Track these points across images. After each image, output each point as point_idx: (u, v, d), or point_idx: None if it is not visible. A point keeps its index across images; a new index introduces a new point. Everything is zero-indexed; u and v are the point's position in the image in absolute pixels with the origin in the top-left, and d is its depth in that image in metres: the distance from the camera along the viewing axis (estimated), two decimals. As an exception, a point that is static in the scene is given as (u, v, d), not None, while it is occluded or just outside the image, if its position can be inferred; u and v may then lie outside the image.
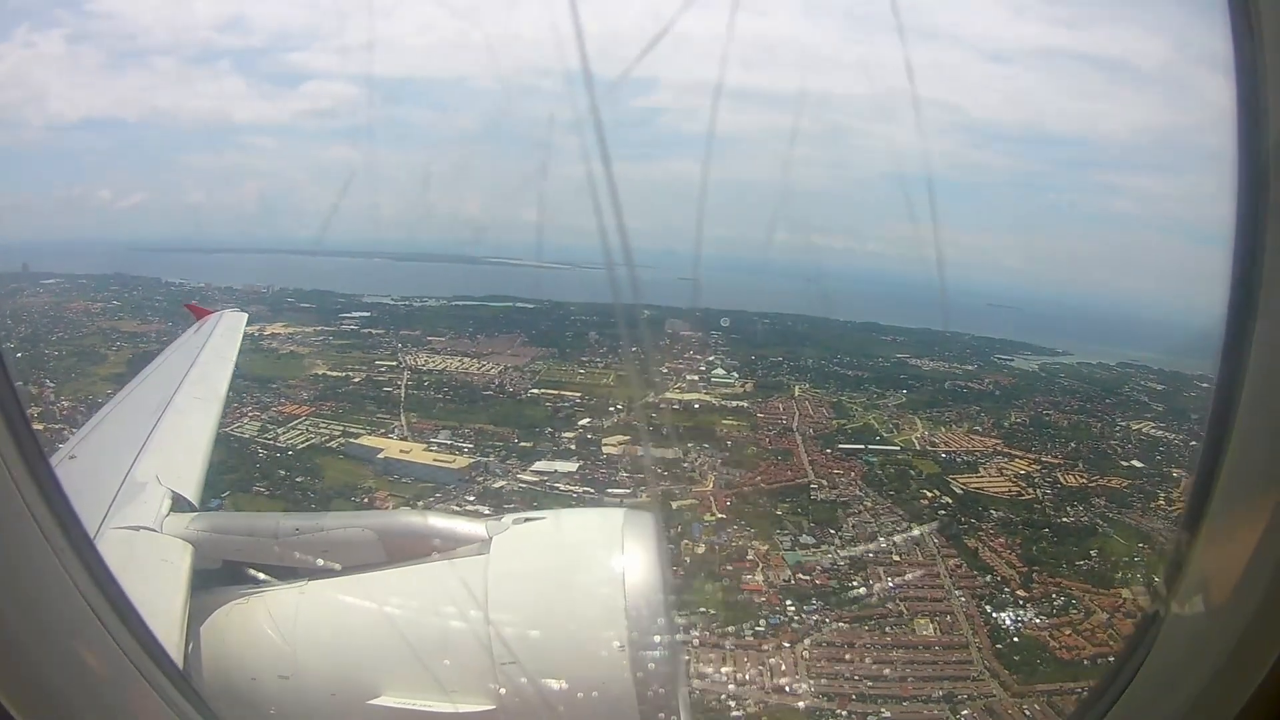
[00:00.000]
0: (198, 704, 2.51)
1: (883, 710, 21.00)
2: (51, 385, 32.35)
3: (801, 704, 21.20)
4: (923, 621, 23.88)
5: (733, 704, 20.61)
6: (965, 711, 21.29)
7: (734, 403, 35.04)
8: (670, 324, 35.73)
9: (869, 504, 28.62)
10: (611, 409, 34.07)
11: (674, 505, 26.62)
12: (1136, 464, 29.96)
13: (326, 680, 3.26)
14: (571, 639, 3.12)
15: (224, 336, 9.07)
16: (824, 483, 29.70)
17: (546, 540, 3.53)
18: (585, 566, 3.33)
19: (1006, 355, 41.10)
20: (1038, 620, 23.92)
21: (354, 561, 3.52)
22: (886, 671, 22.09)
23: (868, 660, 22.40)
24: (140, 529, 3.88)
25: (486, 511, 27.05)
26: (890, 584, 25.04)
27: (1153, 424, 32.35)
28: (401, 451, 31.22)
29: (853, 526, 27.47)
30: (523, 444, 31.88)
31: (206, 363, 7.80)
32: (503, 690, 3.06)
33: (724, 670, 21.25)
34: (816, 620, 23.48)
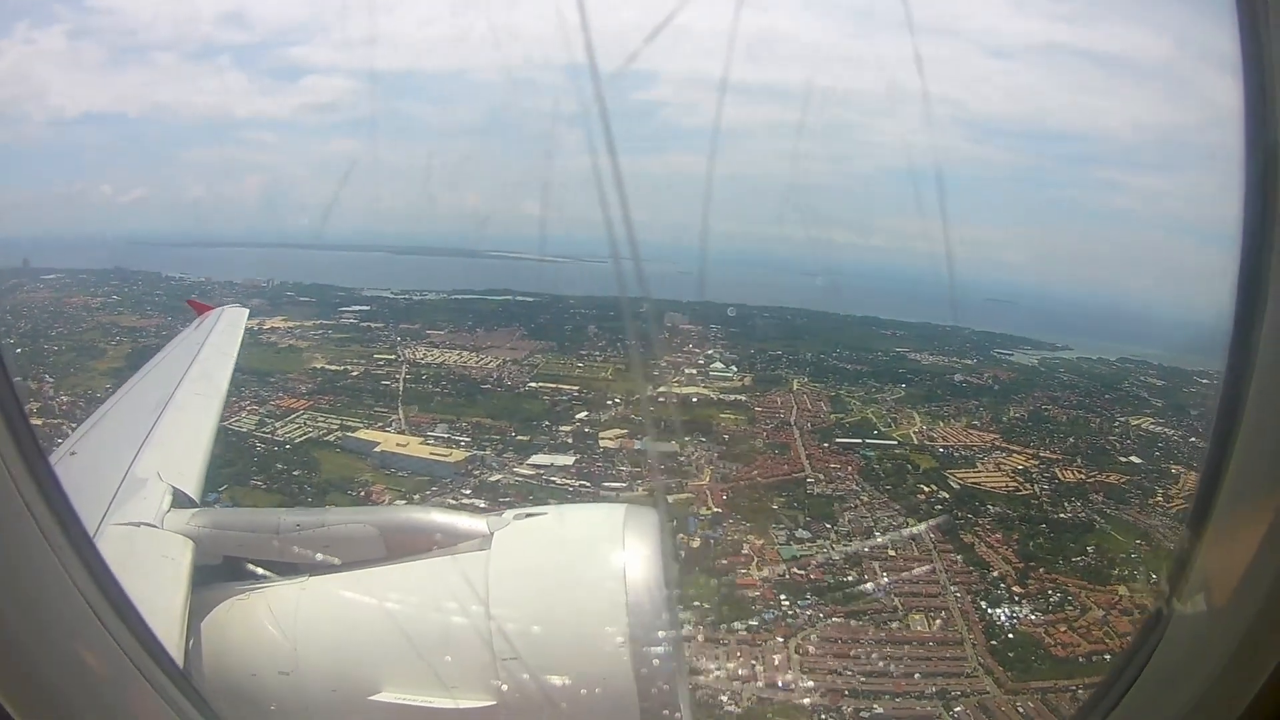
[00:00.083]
0: (198, 703, 2.50)
1: (875, 706, 20.96)
2: (51, 380, 32.48)
3: (794, 699, 21.19)
4: (917, 617, 23.83)
5: (725, 698, 20.61)
6: (959, 708, 21.24)
7: (732, 396, 35.02)
8: (669, 318, 35.69)
9: (865, 498, 28.58)
10: (609, 403, 34.10)
11: (670, 499, 26.57)
12: (1135, 460, 29.87)
13: (327, 676, 3.25)
14: (573, 635, 3.11)
15: (225, 333, 9.06)
16: (820, 477, 29.66)
17: (548, 536, 3.51)
18: (587, 562, 3.32)
19: (1006, 350, 40.99)
20: (1033, 617, 23.86)
21: (355, 557, 3.51)
22: (880, 667, 22.05)
23: (861, 656, 22.36)
24: (141, 525, 3.88)
25: (482, 505, 27.19)
26: (885, 579, 24.99)
27: (1152, 420, 32.25)
28: (398, 445, 31.30)
29: (849, 521, 27.42)
30: (520, 438, 31.90)
31: (207, 359, 7.81)
32: (504, 686, 3.04)
33: (717, 665, 21.26)
34: (810, 615, 23.44)
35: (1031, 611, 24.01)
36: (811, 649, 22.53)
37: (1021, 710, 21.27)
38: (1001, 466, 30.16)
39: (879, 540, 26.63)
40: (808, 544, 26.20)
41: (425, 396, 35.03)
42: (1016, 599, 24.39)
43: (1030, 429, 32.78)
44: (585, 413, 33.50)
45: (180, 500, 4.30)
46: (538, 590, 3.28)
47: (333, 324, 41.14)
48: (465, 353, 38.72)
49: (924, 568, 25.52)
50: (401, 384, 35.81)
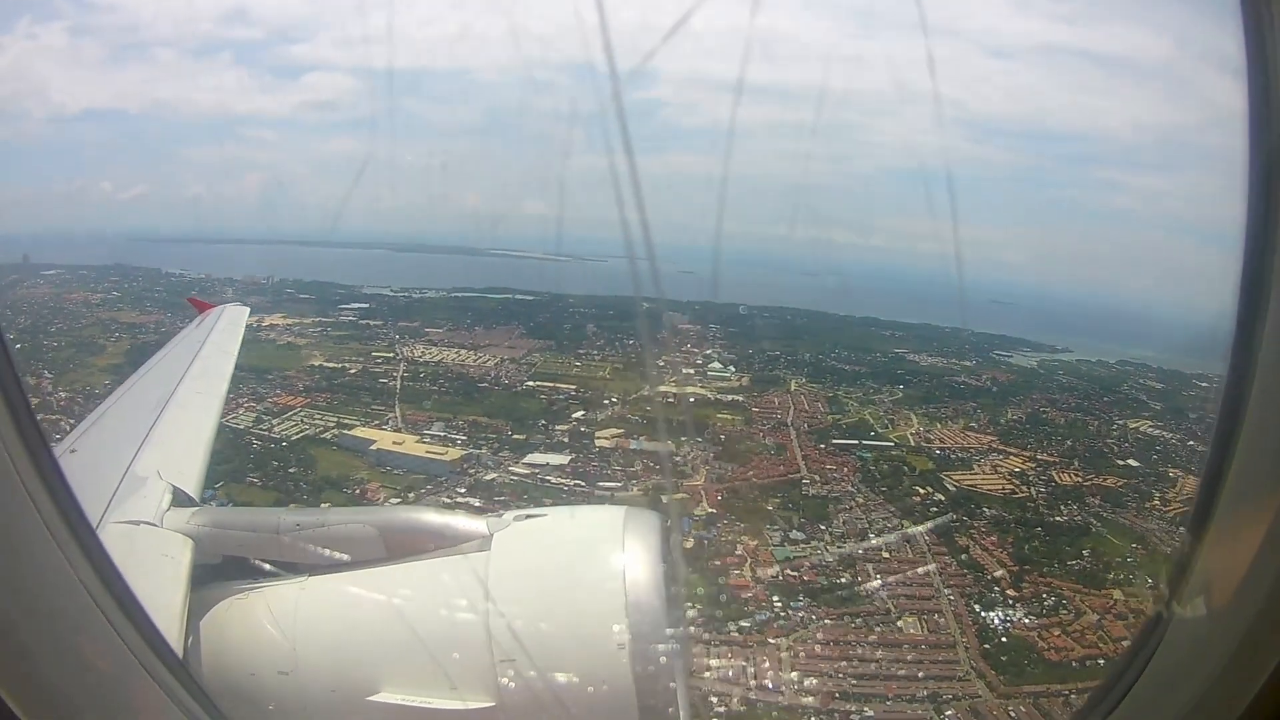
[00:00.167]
0: (201, 699, 2.53)
1: (865, 709, 20.84)
2: (50, 376, 32.68)
3: (784, 701, 21.10)
4: (910, 619, 23.69)
5: (715, 700, 20.55)
6: (950, 712, 21.11)
7: (729, 396, 34.95)
8: (668, 317, 35.59)
9: (861, 500, 28.45)
10: (606, 402, 34.09)
11: (664, 499, 26.53)
12: (1132, 463, 29.67)
13: (326, 676, 3.26)
14: (572, 636, 3.12)
15: (226, 331, 9.08)
16: (816, 478, 29.56)
17: (548, 537, 3.54)
18: (587, 564, 3.34)
19: (1005, 351, 40.87)
20: (1027, 620, 23.69)
21: (355, 557, 3.52)
22: (871, 670, 21.94)
23: (853, 658, 22.26)
24: (141, 523, 3.89)
25: (477, 504, 27.19)
26: (879, 581, 24.87)
27: (1150, 423, 32.04)
28: (394, 443, 31.32)
29: (843, 522, 27.29)
30: (516, 436, 31.91)
31: (208, 357, 7.83)
32: (503, 687, 3.05)
33: (707, 666, 21.18)
34: (803, 617, 23.35)
35: (1025, 615, 23.85)
36: (803, 651, 22.43)
37: (1013, 714, 21.13)
38: (998, 469, 30.00)
39: (873, 542, 26.50)
40: (802, 545, 26.09)
41: (422, 395, 35.07)
42: (1011, 602, 24.22)
43: (1028, 431, 32.63)
44: (582, 412, 33.48)
45: (180, 499, 4.30)
46: (538, 591, 3.30)
47: (332, 321, 41.31)
48: (463, 351, 38.80)
49: (918, 570, 25.38)
50: (399, 382, 35.86)
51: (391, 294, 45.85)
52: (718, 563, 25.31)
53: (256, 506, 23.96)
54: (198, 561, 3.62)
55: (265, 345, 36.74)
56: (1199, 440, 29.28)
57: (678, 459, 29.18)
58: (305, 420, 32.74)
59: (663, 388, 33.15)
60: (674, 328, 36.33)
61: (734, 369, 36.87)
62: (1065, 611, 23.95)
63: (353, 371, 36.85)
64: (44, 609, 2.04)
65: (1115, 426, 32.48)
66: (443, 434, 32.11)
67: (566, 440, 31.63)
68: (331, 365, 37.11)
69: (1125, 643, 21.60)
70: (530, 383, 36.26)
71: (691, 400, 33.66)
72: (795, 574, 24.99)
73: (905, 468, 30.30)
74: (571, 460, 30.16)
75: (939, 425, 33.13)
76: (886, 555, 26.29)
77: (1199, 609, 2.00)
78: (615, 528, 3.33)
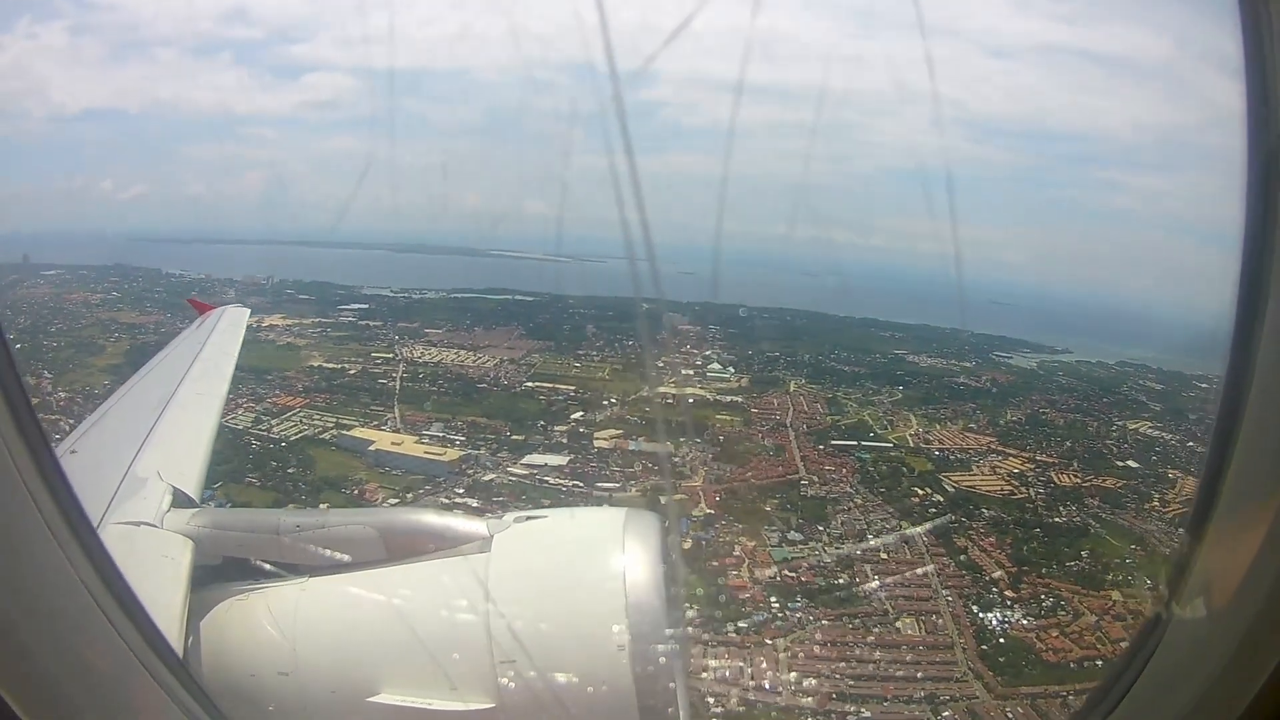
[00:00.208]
0: (201, 700, 2.53)
1: (863, 710, 20.83)
2: (49, 376, 32.67)
3: (782, 702, 21.08)
4: (908, 620, 23.67)
5: (712, 700, 20.54)
6: (947, 713, 21.09)
7: (729, 397, 34.96)
8: (668, 318, 35.56)
9: (859, 501, 28.44)
10: (605, 403, 34.08)
11: (663, 500, 26.53)
12: (1132, 464, 29.68)
13: (326, 677, 3.26)
14: (572, 638, 3.12)
15: (226, 333, 9.08)
16: (815, 479, 29.56)
17: (548, 539, 3.54)
18: (587, 565, 3.34)
19: (1005, 352, 40.89)
20: (1025, 621, 23.67)
21: (355, 558, 3.53)
22: (869, 671, 21.92)
23: (850, 659, 22.24)
24: (141, 524, 3.89)
25: (475, 504, 27.18)
26: (876, 582, 24.85)
27: (1150, 424, 32.05)
28: (393, 444, 31.32)
29: (841, 523, 27.28)
30: (514, 437, 31.90)
31: (209, 359, 7.83)
32: (503, 688, 3.05)
33: (703, 667, 21.17)
34: (800, 618, 23.33)
35: (1023, 616, 23.83)
36: (800, 651, 22.41)
37: (1011, 715, 21.12)
38: (997, 470, 30.00)
39: (872, 543, 26.50)
40: (800, 546, 26.08)
41: (421, 395, 35.06)
42: (1009, 603, 24.21)
43: (1027, 432, 32.65)
44: (581, 413, 33.47)
45: (180, 500, 4.30)
46: (538, 592, 3.29)
47: (331, 322, 41.33)
48: (463, 351, 38.81)
49: (916, 571, 25.37)
50: (398, 383, 35.85)
51: (391, 294, 45.87)
52: (715, 563, 25.32)
53: (256, 507, 24.01)
54: (198, 562, 3.62)
55: (265, 346, 36.72)
56: (1199, 441, 29.28)
57: (676, 460, 29.19)
58: (304, 421, 32.74)
59: (662, 389, 33.14)
60: (673, 328, 36.33)
61: (733, 370, 36.89)
62: (1063, 612, 23.94)
63: (352, 372, 36.84)
64: (44, 609, 2.03)
65: (1115, 427, 32.50)
66: (441, 435, 32.11)
67: (565, 441, 31.64)
68: (331, 366, 37.11)
69: (1124, 644, 21.64)
70: (529, 383, 36.27)
71: (690, 401, 33.65)
72: (793, 575, 24.97)
73: (904, 469, 30.31)
74: (570, 461, 30.17)
75: (938, 426, 33.14)
76: (885, 556, 26.27)
77: (1199, 609, 2.00)
78: (615, 529, 3.32)
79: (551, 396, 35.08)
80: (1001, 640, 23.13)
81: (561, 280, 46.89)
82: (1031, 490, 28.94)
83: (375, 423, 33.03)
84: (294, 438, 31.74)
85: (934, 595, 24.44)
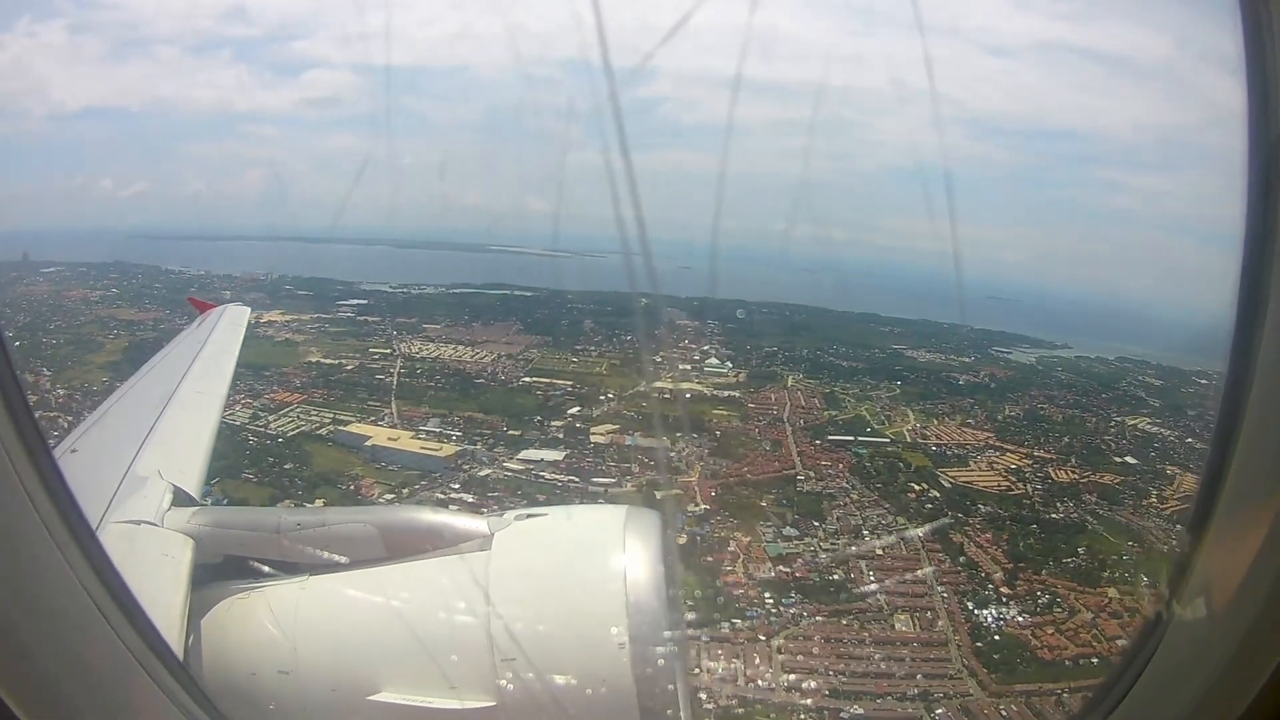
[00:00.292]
0: (201, 699, 2.54)
1: (856, 707, 20.85)
2: (48, 374, 32.61)
3: (775, 699, 21.12)
4: (902, 617, 23.71)
5: (705, 696, 20.55)
6: (940, 710, 21.12)
7: (726, 392, 34.95)
8: (666, 313, 35.49)
9: (855, 496, 28.45)
10: (602, 398, 34.09)
11: (658, 495, 26.54)
12: (1130, 460, 29.65)
13: (327, 675, 3.25)
14: (573, 636, 3.11)
15: (227, 331, 9.09)
16: (811, 474, 29.57)
17: (549, 537, 3.52)
18: (588, 564, 3.32)
19: (1004, 348, 40.86)
20: (1020, 618, 23.68)
21: (355, 557, 3.52)
22: (863, 668, 21.96)
23: (845, 655, 22.27)
24: (141, 523, 3.89)
25: (470, 500, 27.19)
26: (872, 578, 24.89)
27: (1148, 420, 32.06)
28: (389, 439, 31.30)
29: (837, 519, 27.30)
30: (511, 432, 31.91)
31: (210, 357, 7.82)
32: (503, 687, 3.04)
33: (698, 663, 21.19)
34: (794, 614, 23.36)
35: (1019, 613, 23.83)
36: (794, 647, 22.45)
37: (1005, 713, 21.15)
38: (994, 465, 30.01)
39: (867, 539, 26.53)
40: (795, 542, 26.11)
41: (419, 390, 35.06)
42: (1004, 600, 24.22)
43: (1025, 428, 32.65)
44: (578, 408, 33.47)
45: (181, 499, 4.29)
46: (538, 591, 3.28)
47: (330, 318, 41.26)
48: (460, 347, 38.78)
49: (911, 567, 25.40)
50: (395, 378, 35.82)
51: (389, 290, 45.77)
52: (710, 559, 25.33)
53: (253, 503, 24.01)
54: (198, 561, 3.62)
55: (263, 341, 36.62)
56: (1198, 438, 29.30)
57: (673, 455, 29.18)
58: (301, 416, 32.72)
59: (659, 384, 33.12)
60: (672, 324, 36.32)
61: (731, 365, 36.87)
62: (1059, 610, 23.96)
63: (349, 367, 36.81)
64: (44, 609, 2.03)
65: (1113, 423, 32.47)
66: (438, 430, 32.09)
67: (562, 436, 31.63)
68: (328, 361, 37.05)
69: (1120, 642, 21.73)
70: (527, 378, 36.26)
71: (688, 396, 33.68)
72: (788, 570, 24.98)
73: (901, 464, 30.31)
74: (566, 456, 30.17)
75: (936, 421, 33.13)
76: (880, 552, 26.31)
77: (1199, 609, 2.01)
78: (616, 528, 3.31)
79: (549, 391, 35.08)
80: (997, 637, 23.15)
81: (560, 276, 46.85)
82: (1029, 486, 28.97)
83: (372, 418, 33.01)
84: (291, 433, 31.72)
85: (929, 591, 24.47)
